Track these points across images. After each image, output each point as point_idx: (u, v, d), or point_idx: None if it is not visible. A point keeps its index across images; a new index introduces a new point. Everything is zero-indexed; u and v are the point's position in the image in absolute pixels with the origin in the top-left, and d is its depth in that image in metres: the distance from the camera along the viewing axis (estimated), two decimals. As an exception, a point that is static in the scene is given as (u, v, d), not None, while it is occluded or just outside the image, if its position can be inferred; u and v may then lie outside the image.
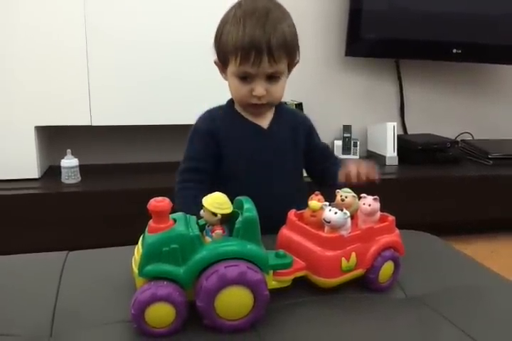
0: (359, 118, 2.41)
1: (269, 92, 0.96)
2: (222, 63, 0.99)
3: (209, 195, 0.69)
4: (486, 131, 2.59)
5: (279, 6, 0.98)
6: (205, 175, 1.02)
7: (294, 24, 0.98)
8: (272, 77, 0.95)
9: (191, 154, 1.04)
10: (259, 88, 0.95)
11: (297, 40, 0.99)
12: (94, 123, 1.85)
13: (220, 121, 1.03)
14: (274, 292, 0.69)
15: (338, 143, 2.32)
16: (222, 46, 0.96)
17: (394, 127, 2.24)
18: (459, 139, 2.51)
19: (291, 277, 0.72)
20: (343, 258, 0.72)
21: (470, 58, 2.39)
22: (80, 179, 1.88)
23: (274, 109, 1.05)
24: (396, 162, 2.23)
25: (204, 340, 0.64)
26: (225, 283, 0.63)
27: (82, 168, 1.89)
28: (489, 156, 2.28)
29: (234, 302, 0.64)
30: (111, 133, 2.08)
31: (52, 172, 1.96)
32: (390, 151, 2.23)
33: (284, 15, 0.97)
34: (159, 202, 0.65)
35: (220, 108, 1.07)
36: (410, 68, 2.44)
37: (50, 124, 1.86)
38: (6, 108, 1.78)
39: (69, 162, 1.84)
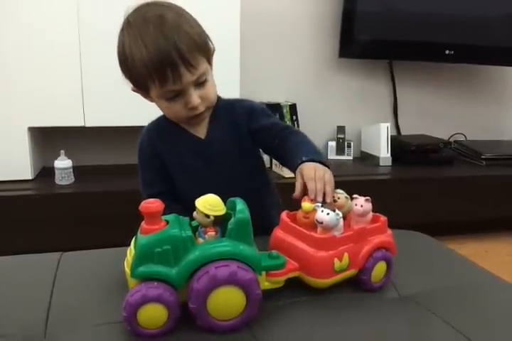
0: (353, 120, 2.42)
1: (203, 98, 0.89)
2: (143, 89, 0.91)
3: (202, 197, 0.69)
4: (478, 131, 2.60)
5: (170, 6, 0.88)
6: (170, 195, 0.99)
7: (193, 18, 0.89)
8: (199, 83, 0.88)
9: (147, 180, 1.02)
10: (194, 98, 0.87)
11: (204, 32, 0.89)
12: (87, 124, 1.85)
13: (158, 140, 0.99)
14: (268, 293, 0.69)
15: (332, 144, 2.33)
16: (133, 73, 0.87)
17: (387, 128, 2.25)
18: (452, 140, 2.53)
19: (284, 278, 0.72)
20: (335, 259, 0.72)
21: (463, 59, 2.40)
22: (73, 180, 1.87)
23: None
24: (390, 163, 2.24)
25: (199, 340, 0.64)
26: (215, 283, 0.63)
27: (76, 169, 1.88)
28: (482, 157, 2.30)
29: (226, 302, 0.64)
30: (104, 134, 2.07)
31: (45, 173, 1.95)
32: (384, 152, 2.24)
33: (179, 13, 0.87)
34: (151, 204, 0.65)
35: (156, 123, 1.02)
36: (403, 69, 2.44)
37: (44, 125, 1.86)
38: (-1, 109, 1.78)
39: (62, 163, 1.84)
